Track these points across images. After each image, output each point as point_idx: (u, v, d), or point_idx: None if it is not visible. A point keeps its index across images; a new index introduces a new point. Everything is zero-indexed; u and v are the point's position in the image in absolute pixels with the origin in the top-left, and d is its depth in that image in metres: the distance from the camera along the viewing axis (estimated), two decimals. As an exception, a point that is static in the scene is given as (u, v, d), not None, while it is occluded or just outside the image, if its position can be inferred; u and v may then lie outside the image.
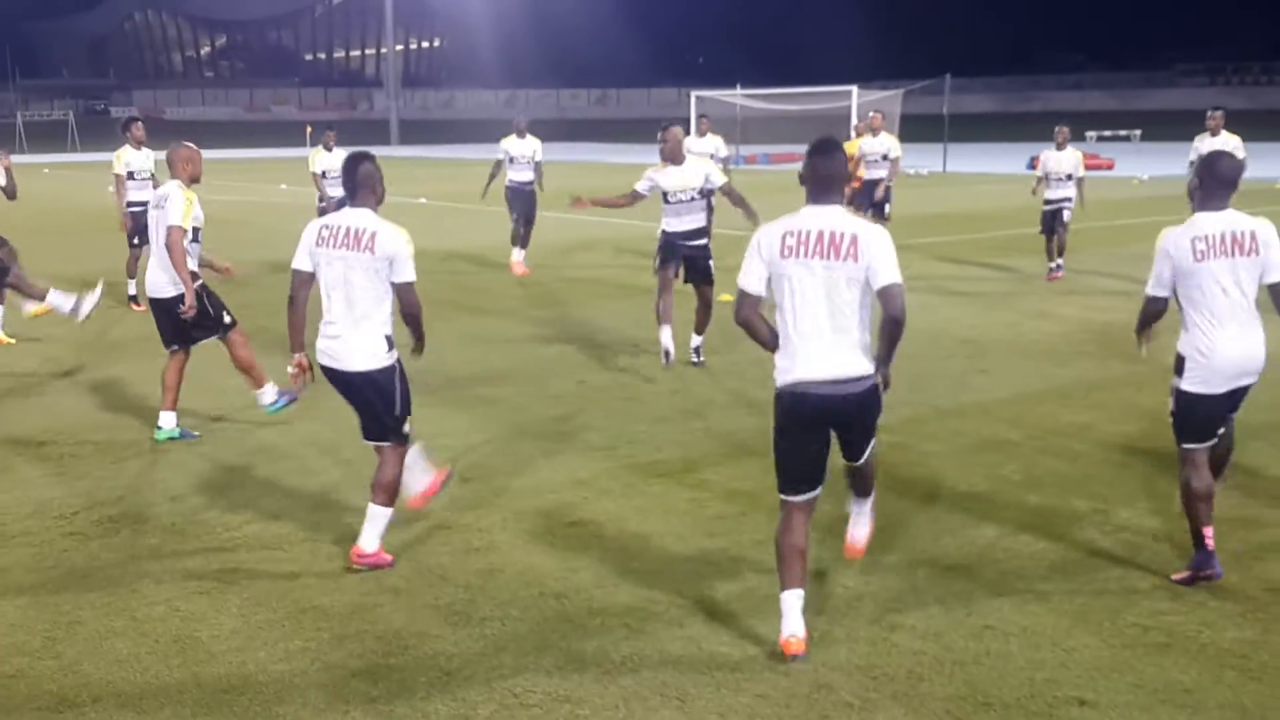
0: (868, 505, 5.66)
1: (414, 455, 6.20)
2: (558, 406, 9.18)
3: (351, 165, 5.83)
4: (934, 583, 5.74)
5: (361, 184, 5.81)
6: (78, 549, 6.29)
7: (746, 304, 5.05)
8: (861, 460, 5.27)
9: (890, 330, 4.97)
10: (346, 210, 5.84)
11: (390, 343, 5.87)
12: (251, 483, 7.35)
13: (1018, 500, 6.93)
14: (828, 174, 4.98)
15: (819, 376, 4.92)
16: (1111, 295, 14.11)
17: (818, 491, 5.13)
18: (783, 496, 5.14)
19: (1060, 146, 15.37)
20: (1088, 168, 36.00)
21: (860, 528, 5.71)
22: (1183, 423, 5.73)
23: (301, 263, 5.89)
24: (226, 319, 8.33)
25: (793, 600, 5.02)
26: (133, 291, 13.73)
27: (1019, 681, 4.78)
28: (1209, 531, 5.65)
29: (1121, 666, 4.90)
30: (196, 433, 8.39)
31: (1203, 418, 5.67)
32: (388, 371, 5.85)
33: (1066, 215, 15.27)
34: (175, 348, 8.33)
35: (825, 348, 4.91)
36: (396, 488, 5.99)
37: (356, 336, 5.79)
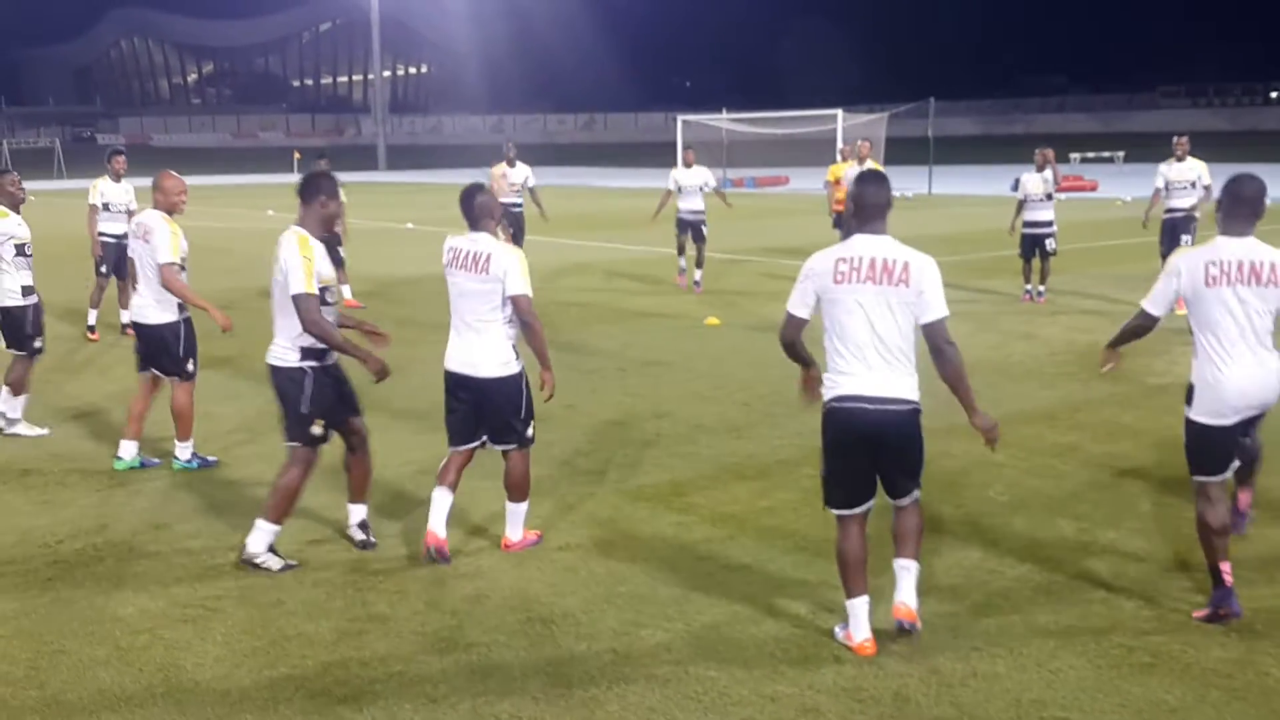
0: (915, 568, 5.32)
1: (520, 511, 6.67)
2: (545, 431, 9.13)
3: (469, 197, 6.47)
4: (920, 604, 5.74)
5: (480, 213, 6.42)
6: (62, 578, 6.26)
7: (792, 325, 5.27)
8: (907, 500, 5.27)
9: (945, 369, 5.12)
10: (470, 234, 6.40)
11: (516, 352, 6.40)
12: (236, 510, 7.31)
13: (1004, 522, 6.94)
14: (876, 202, 5.17)
15: (865, 393, 5.06)
16: (1095, 316, 14.18)
17: (871, 504, 5.25)
18: (836, 512, 5.27)
19: (1040, 168, 15.46)
20: (1071, 189, 36.07)
21: (908, 591, 5.31)
22: (1194, 454, 5.54)
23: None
24: (190, 367, 8.23)
25: (861, 606, 5.22)
26: (92, 321, 13.76)
27: (1005, 703, 4.79)
28: (1226, 567, 5.46)
29: (1107, 687, 4.91)
30: (157, 460, 8.35)
31: (1215, 449, 5.47)
32: (515, 379, 6.40)
33: (1050, 245, 15.35)
34: (147, 373, 8.30)
35: (874, 370, 5.06)
36: (527, 485, 6.56)
37: (483, 346, 6.34)
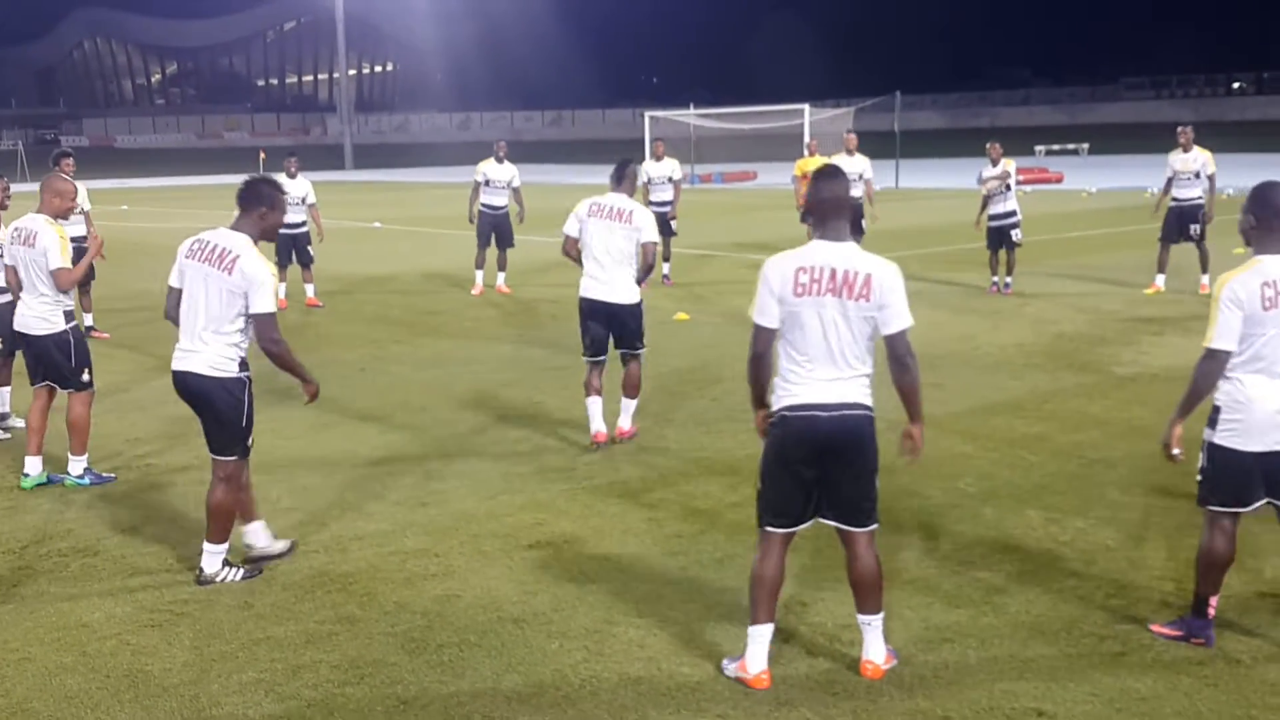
0: (880, 620, 5.01)
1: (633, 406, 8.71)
2: (515, 428, 9.14)
3: (621, 166, 8.58)
4: (891, 597, 5.72)
5: (626, 177, 8.53)
6: (26, 583, 6.18)
7: (763, 338, 4.91)
8: (862, 532, 4.92)
9: (903, 380, 4.91)
10: (611, 194, 8.45)
11: (639, 287, 8.47)
12: (203, 514, 7.21)
13: (973, 512, 6.96)
14: (834, 199, 4.86)
15: (820, 400, 4.80)
16: (1062, 307, 14.26)
17: (800, 527, 4.95)
18: (765, 528, 4.95)
19: (995, 162, 15.57)
20: (1037, 181, 36.19)
21: (874, 646, 5.00)
22: (1213, 480, 5.13)
23: (571, 228, 8.54)
24: (85, 377, 7.92)
25: (764, 634, 4.93)
26: (90, 322, 13.68)
27: (977, 694, 4.79)
28: (1214, 601, 5.21)
29: (1078, 676, 4.92)
30: (62, 476, 7.91)
31: (1236, 477, 5.06)
32: (640, 305, 8.52)
33: (1016, 235, 15.44)
34: (41, 385, 8.00)
35: (830, 381, 4.81)
36: (639, 385, 8.68)
37: (618, 279, 8.36)
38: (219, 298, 5.95)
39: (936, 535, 6.59)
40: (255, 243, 6.04)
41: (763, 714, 4.69)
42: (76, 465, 7.95)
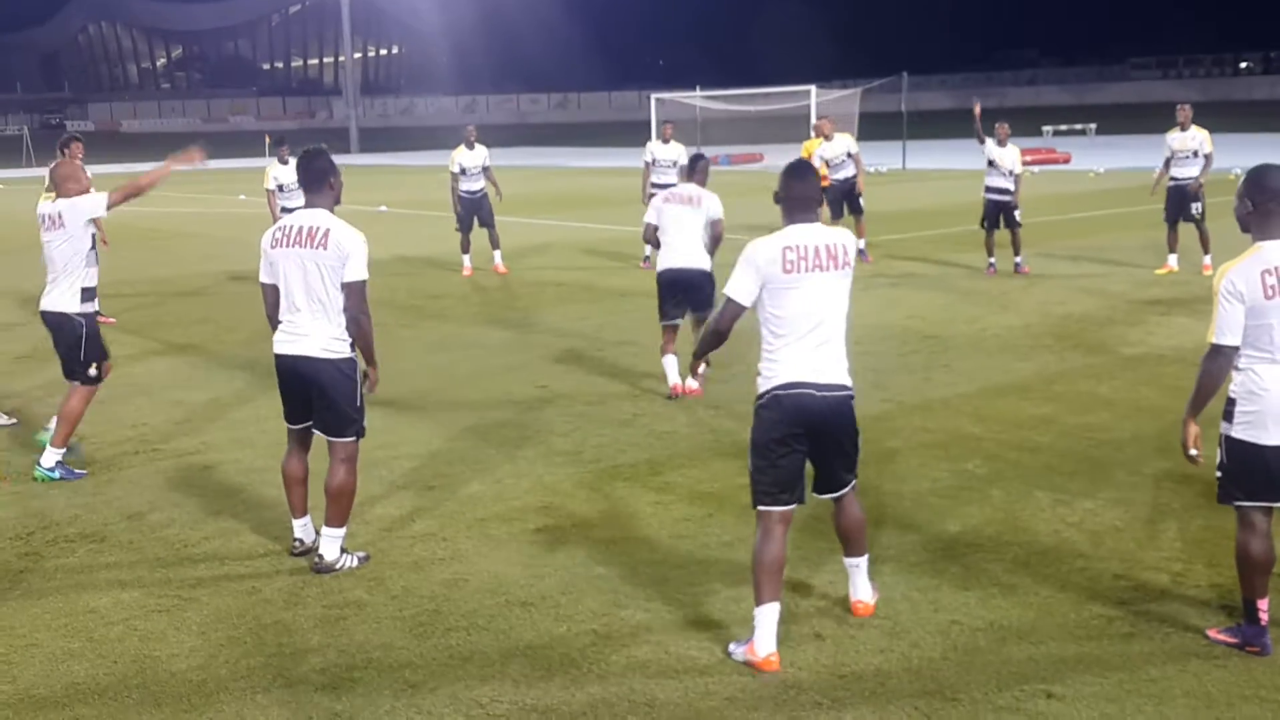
0: (864, 561, 5.36)
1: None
2: (521, 412, 9.13)
3: (694, 160, 9.95)
4: (899, 579, 5.74)
5: (698, 171, 9.78)
6: (33, 569, 6.18)
7: (732, 312, 5.05)
8: (847, 490, 5.16)
9: None
10: (684, 185, 9.74)
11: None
12: (210, 499, 7.25)
13: (982, 494, 6.95)
14: (804, 195, 5.13)
15: (811, 379, 4.92)
16: (1068, 288, 14.20)
17: (798, 504, 5.03)
18: (763, 509, 5.02)
19: (1001, 142, 15.48)
20: (1044, 161, 35.96)
21: (863, 586, 5.38)
22: (1234, 475, 4.97)
23: (651, 217, 9.79)
24: (93, 372, 7.81)
25: (771, 614, 4.95)
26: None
27: (986, 676, 4.78)
28: (1264, 604, 4.97)
29: (1087, 658, 4.91)
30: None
31: (1257, 471, 4.88)
32: (712, 273, 9.35)
33: (1017, 214, 15.37)
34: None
35: (816, 357, 4.95)
36: None
37: (696, 252, 9.44)
38: (320, 277, 5.86)
39: (944, 517, 6.57)
40: (332, 211, 6.00)
41: (770, 696, 4.68)
42: (50, 456, 7.71)
